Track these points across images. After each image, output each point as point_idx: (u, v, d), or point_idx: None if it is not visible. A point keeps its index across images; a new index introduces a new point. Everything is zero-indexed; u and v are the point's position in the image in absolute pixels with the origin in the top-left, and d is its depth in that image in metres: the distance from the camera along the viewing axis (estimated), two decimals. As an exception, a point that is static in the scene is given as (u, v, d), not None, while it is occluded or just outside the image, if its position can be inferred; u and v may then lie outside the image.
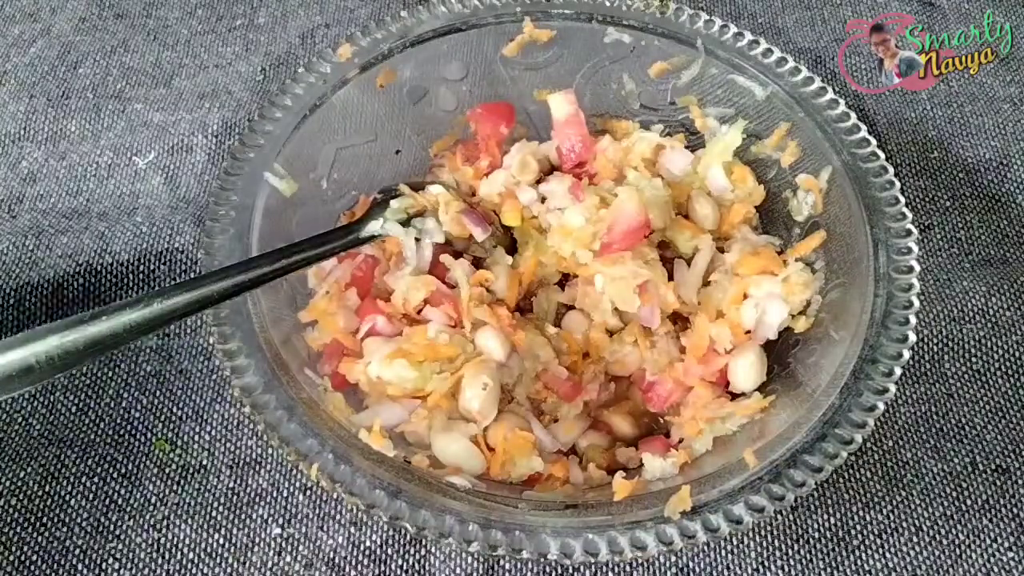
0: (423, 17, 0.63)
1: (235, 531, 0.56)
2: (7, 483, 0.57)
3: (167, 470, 0.58)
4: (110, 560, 0.55)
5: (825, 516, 0.56)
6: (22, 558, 0.55)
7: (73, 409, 0.60)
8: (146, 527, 0.56)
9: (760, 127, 0.63)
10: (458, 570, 0.55)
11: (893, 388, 0.48)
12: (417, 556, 0.55)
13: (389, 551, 0.55)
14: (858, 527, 0.56)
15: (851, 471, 0.58)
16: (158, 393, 0.61)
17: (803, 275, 0.57)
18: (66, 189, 0.72)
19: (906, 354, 0.50)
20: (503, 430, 0.53)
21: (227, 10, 0.85)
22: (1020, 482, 0.57)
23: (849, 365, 0.50)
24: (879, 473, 0.58)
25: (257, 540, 0.56)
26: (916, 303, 0.51)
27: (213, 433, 0.60)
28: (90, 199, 0.71)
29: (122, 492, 0.57)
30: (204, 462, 0.58)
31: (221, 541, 0.56)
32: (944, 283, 0.65)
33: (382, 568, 0.55)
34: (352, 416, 0.52)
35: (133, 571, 0.55)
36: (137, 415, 0.60)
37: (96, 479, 0.58)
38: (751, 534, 0.56)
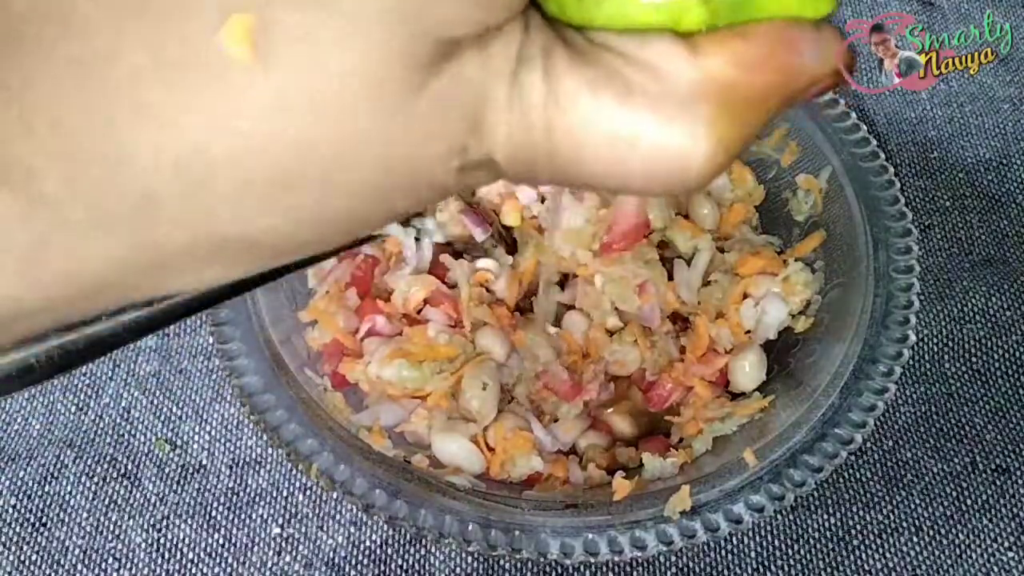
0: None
1: (235, 531, 0.56)
2: (7, 483, 0.57)
3: (167, 470, 0.58)
4: (110, 560, 0.55)
5: (825, 516, 0.56)
6: (22, 558, 0.55)
7: (73, 409, 0.60)
8: (146, 527, 0.56)
9: (760, 127, 0.63)
10: (458, 570, 0.55)
11: (893, 388, 0.48)
12: (417, 556, 0.55)
13: (389, 551, 0.55)
14: (858, 527, 0.56)
15: (851, 471, 0.57)
16: (158, 393, 0.61)
17: (803, 275, 0.57)
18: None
19: (906, 354, 0.49)
20: (503, 430, 0.53)
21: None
22: (1020, 482, 0.57)
23: (849, 365, 0.50)
24: (879, 473, 0.58)
25: (257, 540, 0.56)
26: (916, 303, 0.51)
27: (213, 433, 0.60)
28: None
29: (122, 492, 0.57)
30: (204, 462, 0.58)
31: (221, 541, 0.56)
32: (944, 283, 0.65)
33: (382, 568, 0.55)
34: (352, 416, 0.52)
35: (133, 571, 0.55)
36: (137, 415, 0.60)
37: (96, 479, 0.58)
38: (751, 534, 0.56)
